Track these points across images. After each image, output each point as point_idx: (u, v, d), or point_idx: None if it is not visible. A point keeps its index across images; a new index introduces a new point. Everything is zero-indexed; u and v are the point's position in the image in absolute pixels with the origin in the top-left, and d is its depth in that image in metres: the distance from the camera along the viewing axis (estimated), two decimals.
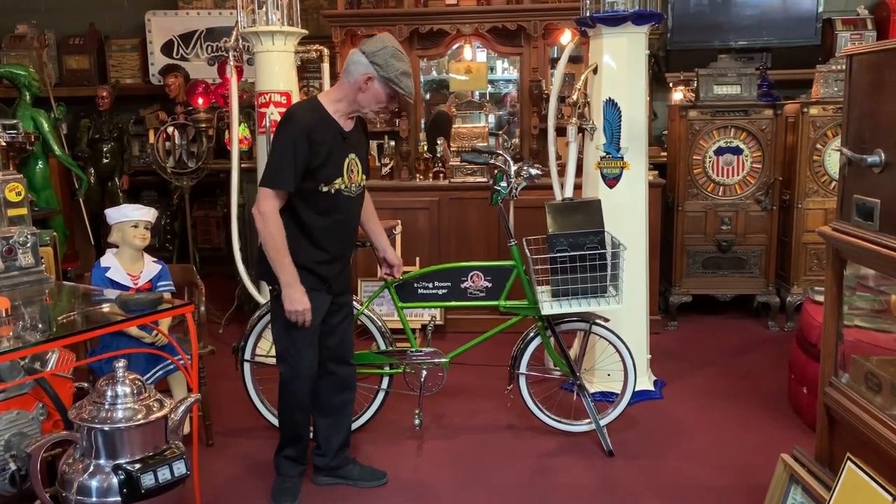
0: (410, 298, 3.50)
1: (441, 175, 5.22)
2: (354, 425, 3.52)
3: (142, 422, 2.31)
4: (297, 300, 2.77)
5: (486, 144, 5.21)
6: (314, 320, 2.89)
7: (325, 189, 2.78)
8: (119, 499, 2.25)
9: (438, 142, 5.35)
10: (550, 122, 4.24)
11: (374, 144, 5.66)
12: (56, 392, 2.57)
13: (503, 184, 3.41)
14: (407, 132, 5.38)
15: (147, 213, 3.35)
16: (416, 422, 3.45)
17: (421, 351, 3.48)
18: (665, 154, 5.64)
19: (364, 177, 2.95)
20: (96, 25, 6.97)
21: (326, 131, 2.76)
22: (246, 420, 3.69)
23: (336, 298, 3.00)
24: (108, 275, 3.24)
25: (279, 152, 2.72)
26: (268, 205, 2.72)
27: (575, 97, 3.94)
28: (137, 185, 6.63)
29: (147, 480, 2.27)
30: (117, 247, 3.34)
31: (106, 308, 2.71)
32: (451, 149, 5.24)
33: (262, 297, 4.56)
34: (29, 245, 2.98)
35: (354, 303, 3.47)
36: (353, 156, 2.86)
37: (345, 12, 5.35)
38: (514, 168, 3.45)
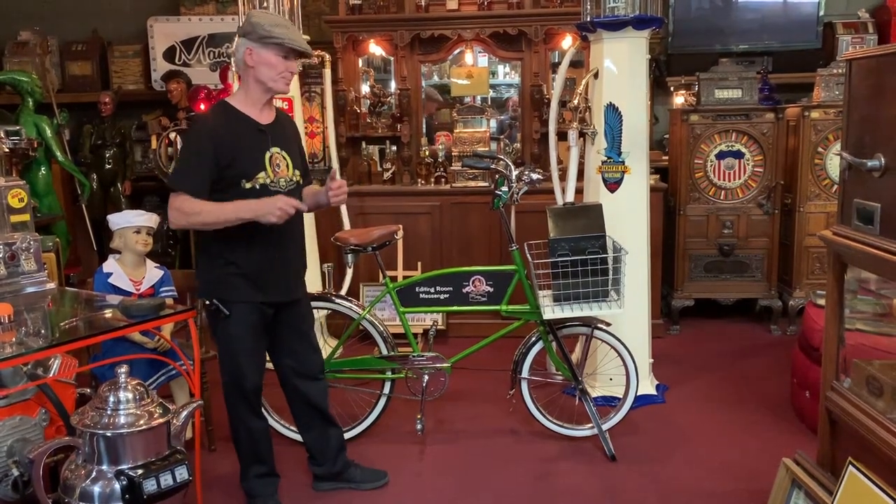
0: (412, 303, 3.50)
1: (442, 180, 5.22)
2: (357, 430, 3.53)
3: (144, 427, 2.32)
4: (265, 207, 2.59)
5: (487, 149, 5.22)
6: (252, 338, 2.79)
7: (248, 185, 2.67)
8: None
9: (440, 147, 5.37)
10: (552, 126, 4.25)
11: (375, 149, 5.68)
12: (58, 398, 2.58)
13: (504, 188, 3.41)
14: (408, 137, 5.39)
15: (149, 219, 3.35)
16: (418, 426, 3.45)
17: (423, 356, 3.48)
18: (666, 158, 5.64)
19: (298, 172, 2.84)
20: (99, 32, 6.99)
21: (235, 128, 2.69)
22: None
23: (282, 314, 2.88)
24: (110, 280, 3.25)
25: (183, 157, 2.74)
26: (176, 202, 2.61)
27: (576, 102, 3.94)
28: (140, 191, 6.64)
29: (149, 486, 2.28)
30: (120, 252, 3.34)
31: (108, 314, 2.72)
32: (453, 153, 5.25)
33: None
34: (32, 251, 3.00)
35: (356, 307, 3.49)
36: (277, 149, 2.76)
37: (346, 18, 5.37)
38: (515, 173, 3.46)
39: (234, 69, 4.62)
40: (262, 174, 2.71)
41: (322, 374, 3.09)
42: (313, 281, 4.39)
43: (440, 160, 5.33)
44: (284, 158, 2.80)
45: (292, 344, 2.96)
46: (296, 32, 2.73)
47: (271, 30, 2.65)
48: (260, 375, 2.88)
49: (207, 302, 2.77)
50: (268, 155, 2.74)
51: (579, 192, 4.10)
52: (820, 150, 4.89)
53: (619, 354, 3.46)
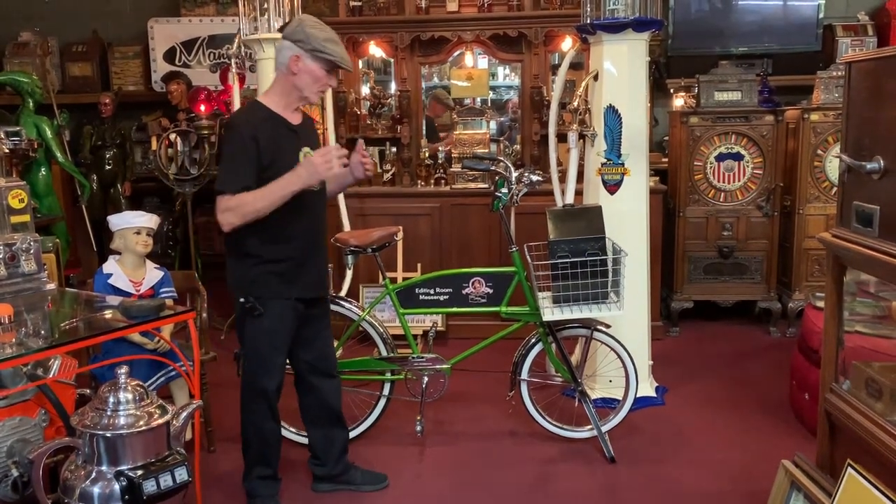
0: (412, 304, 3.51)
1: (442, 181, 5.23)
2: (356, 432, 3.52)
3: (144, 428, 2.32)
4: (308, 170, 2.62)
5: (487, 151, 5.22)
6: (284, 335, 2.82)
7: None
8: None
9: (440, 148, 5.37)
10: (551, 128, 4.25)
11: (375, 150, 5.68)
12: (58, 398, 2.58)
13: (504, 190, 3.42)
14: (408, 139, 5.39)
15: (149, 220, 3.35)
16: (418, 428, 3.45)
17: (422, 357, 3.48)
18: (666, 160, 5.65)
19: None
20: (99, 33, 7.00)
21: (272, 128, 2.72)
22: None
23: (308, 308, 2.91)
24: (110, 281, 3.25)
25: (228, 159, 2.71)
26: (222, 203, 2.64)
27: (576, 104, 3.94)
28: (140, 192, 6.65)
29: (149, 487, 2.27)
30: (120, 253, 3.35)
31: (108, 314, 2.72)
32: (453, 155, 5.26)
33: None
34: (32, 252, 2.99)
35: (356, 308, 3.49)
36: (307, 149, 2.81)
37: (346, 20, 5.38)
38: (515, 174, 3.46)
39: (234, 70, 4.64)
40: None
41: (337, 371, 3.13)
42: None
43: (440, 162, 5.33)
44: None
45: (312, 340, 2.98)
46: (343, 49, 2.76)
47: (325, 45, 2.68)
48: (283, 375, 2.90)
49: (242, 299, 2.79)
50: (301, 154, 2.78)
51: (579, 193, 4.10)
52: (819, 152, 4.89)
53: (619, 356, 3.46)
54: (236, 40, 4.62)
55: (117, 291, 3.21)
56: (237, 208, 2.63)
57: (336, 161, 2.64)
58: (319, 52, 2.68)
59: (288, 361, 2.98)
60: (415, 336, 3.59)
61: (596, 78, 3.92)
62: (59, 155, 5.55)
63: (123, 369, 2.40)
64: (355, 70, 5.63)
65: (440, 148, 5.47)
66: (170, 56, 6.89)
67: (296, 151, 2.77)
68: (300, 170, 2.65)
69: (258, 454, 2.95)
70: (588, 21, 3.87)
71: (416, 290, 3.49)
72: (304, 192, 2.71)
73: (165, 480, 2.31)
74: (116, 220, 3.34)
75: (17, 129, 4.74)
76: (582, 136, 3.99)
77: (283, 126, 2.76)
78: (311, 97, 2.79)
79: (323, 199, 2.95)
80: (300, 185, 2.64)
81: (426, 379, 3.48)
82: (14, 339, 2.38)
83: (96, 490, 2.27)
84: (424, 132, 5.72)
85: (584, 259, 3.22)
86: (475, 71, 5.67)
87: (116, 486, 2.26)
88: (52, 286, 3.09)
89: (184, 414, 2.48)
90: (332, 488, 3.14)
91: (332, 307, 3.53)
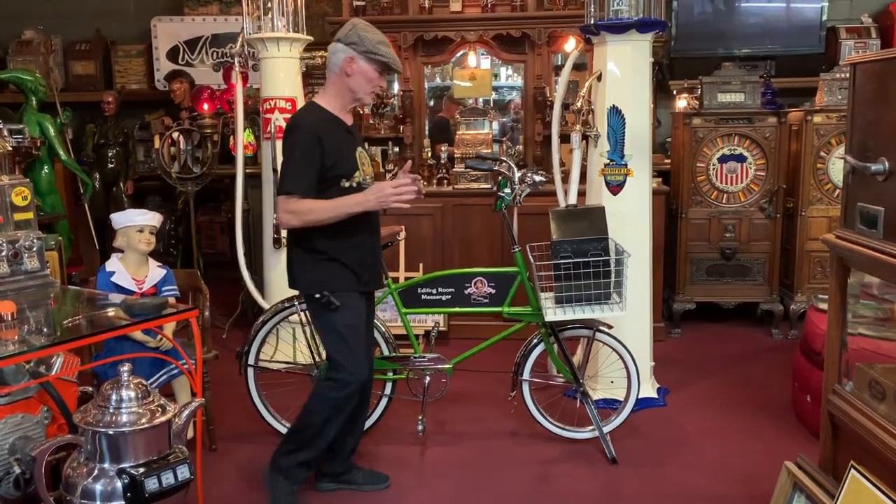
0: (414, 304, 3.51)
1: (445, 181, 5.22)
2: None
3: (146, 426, 2.32)
4: (377, 197, 2.69)
5: (490, 151, 5.23)
6: (363, 326, 2.91)
7: (347, 184, 2.78)
8: (123, 503, 2.26)
9: (443, 148, 5.38)
10: (554, 129, 4.25)
11: (378, 150, 5.68)
12: (60, 396, 2.58)
13: (507, 190, 3.42)
14: (411, 138, 5.39)
15: (152, 218, 3.36)
16: (419, 428, 3.44)
17: (424, 357, 3.48)
18: (669, 161, 5.65)
19: (372, 168, 2.98)
20: (102, 31, 7.00)
21: (332, 129, 2.80)
22: (249, 425, 3.70)
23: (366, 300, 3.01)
24: (112, 279, 3.25)
25: (292, 160, 2.74)
26: (287, 205, 2.69)
27: (579, 104, 3.95)
28: (142, 190, 6.65)
29: (151, 484, 2.28)
30: (122, 251, 3.35)
31: (111, 312, 2.72)
32: (456, 155, 5.26)
33: (266, 301, 4.57)
34: (35, 249, 2.99)
35: None
36: (360, 149, 2.91)
37: (349, 19, 5.37)
38: (517, 175, 3.46)
39: (237, 69, 4.64)
40: (357, 173, 2.82)
41: (373, 364, 3.18)
42: None
43: (443, 162, 5.34)
44: (366, 156, 2.93)
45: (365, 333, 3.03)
46: (391, 48, 2.83)
47: (378, 47, 2.75)
48: (372, 367, 2.95)
49: (318, 295, 2.82)
50: (357, 154, 2.85)
51: (581, 194, 4.10)
52: (822, 154, 4.89)
53: (621, 357, 3.46)
54: (240, 39, 4.62)
55: (120, 289, 3.20)
56: (301, 214, 2.70)
57: (409, 197, 2.71)
58: (373, 54, 2.75)
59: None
60: (417, 336, 3.60)
61: (599, 79, 3.92)
62: (61, 153, 5.55)
63: (126, 367, 2.40)
64: None
65: (443, 148, 5.48)
66: (173, 55, 6.90)
67: (353, 152, 2.84)
68: (370, 195, 2.72)
69: (311, 441, 2.90)
70: (592, 22, 3.87)
71: (419, 290, 3.50)
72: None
73: (167, 478, 2.32)
74: (119, 218, 3.34)
75: (21, 126, 4.73)
76: (585, 137, 3.99)
77: (341, 126, 2.84)
78: (364, 98, 2.87)
79: None
80: (365, 209, 2.73)
81: (428, 379, 3.48)
82: (16, 337, 2.38)
83: (98, 487, 2.27)
84: (434, 133, 5.71)
85: (586, 259, 3.21)
86: (478, 71, 5.67)
87: (118, 484, 2.26)
88: (55, 284, 3.09)
89: (186, 412, 2.48)
90: (334, 487, 3.14)
91: None
